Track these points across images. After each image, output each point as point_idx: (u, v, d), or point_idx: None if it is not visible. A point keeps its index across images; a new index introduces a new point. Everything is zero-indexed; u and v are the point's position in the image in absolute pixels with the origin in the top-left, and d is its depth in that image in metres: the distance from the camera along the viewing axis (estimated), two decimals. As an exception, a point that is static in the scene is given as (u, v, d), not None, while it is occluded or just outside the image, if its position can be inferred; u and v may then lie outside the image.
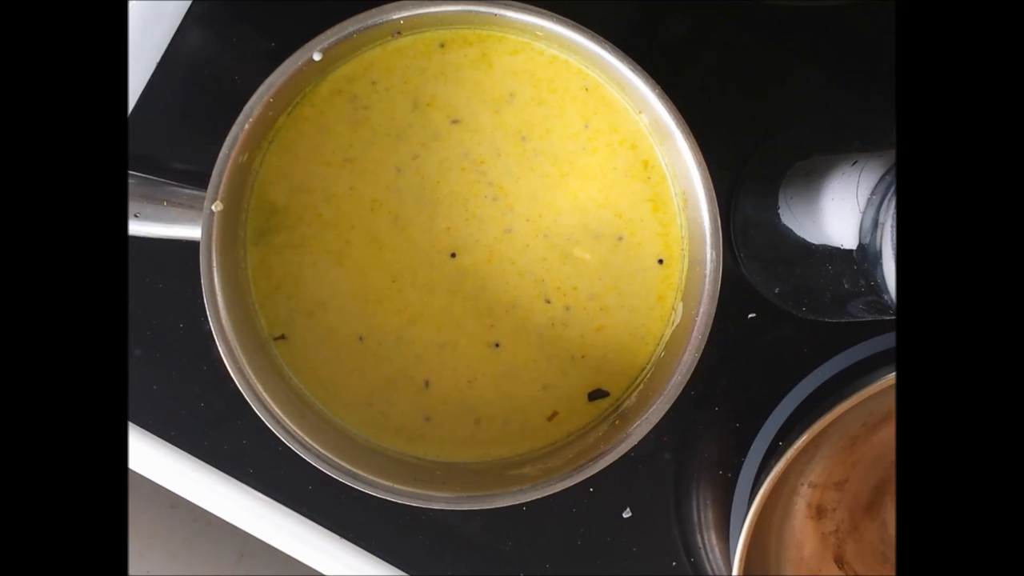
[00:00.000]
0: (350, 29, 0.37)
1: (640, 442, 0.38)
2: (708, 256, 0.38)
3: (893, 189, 0.31)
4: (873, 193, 0.33)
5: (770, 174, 0.41)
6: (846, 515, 0.45)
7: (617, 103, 0.40)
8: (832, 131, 0.43)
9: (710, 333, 0.38)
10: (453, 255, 0.41)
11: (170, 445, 0.45)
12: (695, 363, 0.38)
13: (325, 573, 0.46)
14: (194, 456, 0.45)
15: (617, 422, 0.40)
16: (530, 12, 0.37)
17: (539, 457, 0.41)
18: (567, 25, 0.37)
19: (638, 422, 0.38)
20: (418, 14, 0.38)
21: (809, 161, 0.39)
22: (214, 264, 0.38)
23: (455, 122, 0.40)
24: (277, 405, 0.38)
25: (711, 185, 0.37)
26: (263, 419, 0.38)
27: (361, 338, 0.41)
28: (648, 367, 0.41)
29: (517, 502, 0.38)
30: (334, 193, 0.40)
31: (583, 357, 0.41)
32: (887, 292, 0.31)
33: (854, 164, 0.35)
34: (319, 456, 0.38)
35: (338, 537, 0.45)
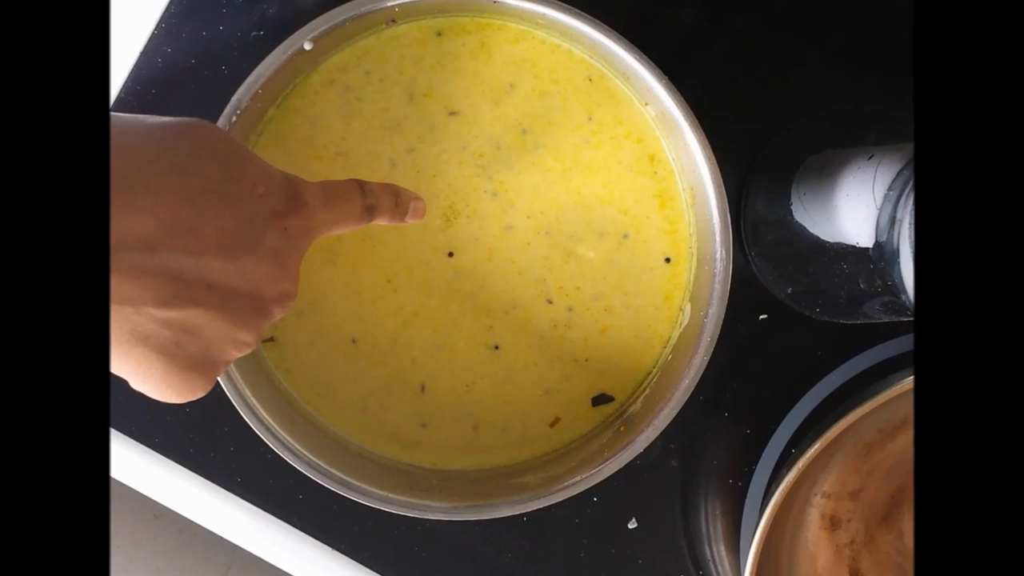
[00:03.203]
0: (342, 17, 0.37)
1: (646, 449, 0.37)
2: (717, 255, 0.37)
3: (911, 184, 0.31)
4: (890, 188, 0.32)
5: (782, 169, 0.40)
6: (861, 526, 0.44)
7: (622, 94, 0.39)
8: (847, 124, 0.42)
9: (719, 335, 0.37)
10: (451, 254, 0.39)
11: (154, 452, 0.44)
12: (704, 367, 0.37)
13: (317, 586, 0.45)
14: (179, 464, 0.44)
15: (622, 428, 0.39)
16: (531, -2, 0.36)
17: (540, 465, 0.40)
18: (570, 12, 0.36)
19: (644, 428, 0.37)
20: (414, 1, 0.37)
21: (823, 155, 0.38)
22: (199, 262, 0.36)
23: (453, 114, 0.39)
24: (266, 410, 0.38)
25: (720, 180, 0.37)
26: (251, 425, 0.37)
27: (354, 340, 0.40)
28: (655, 371, 0.40)
29: (517, 512, 0.38)
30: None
31: (587, 360, 0.40)
32: (904, 292, 0.30)
33: (870, 158, 0.34)
34: (310, 464, 0.38)
35: (330, 549, 0.44)
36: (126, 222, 0.25)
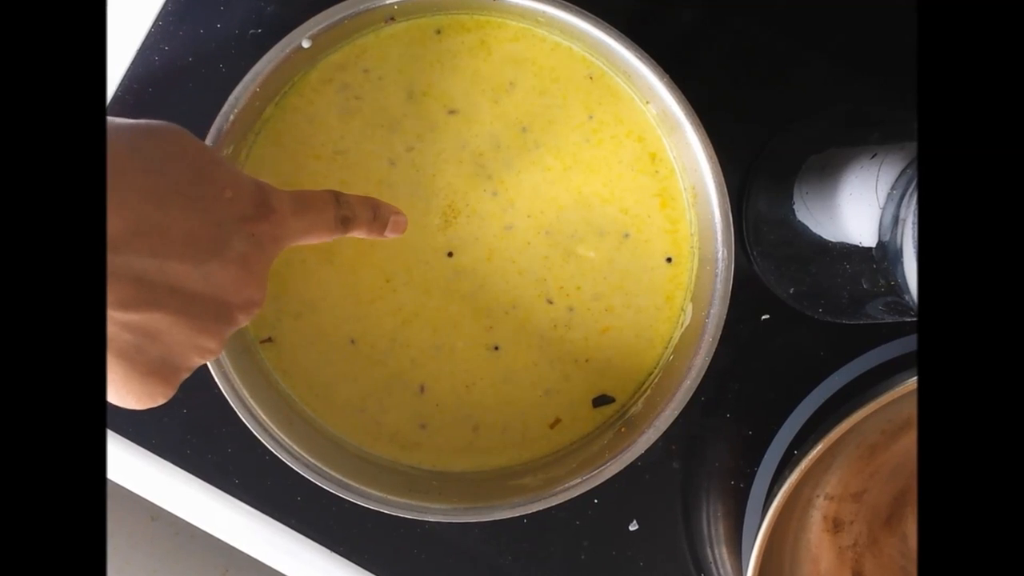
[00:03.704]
0: (341, 14, 0.36)
1: (647, 450, 0.37)
2: (719, 254, 0.37)
3: (915, 183, 0.30)
4: (893, 188, 0.32)
5: (783, 168, 0.40)
6: (864, 528, 0.43)
7: (623, 93, 0.38)
8: (847, 124, 0.42)
9: (721, 335, 0.37)
10: (450, 254, 0.39)
11: (151, 454, 0.43)
12: (705, 367, 0.37)
13: (315, 588, 0.45)
14: (176, 465, 0.44)
15: (623, 429, 0.39)
16: (531, -4, 0.36)
17: (541, 466, 0.40)
18: (571, 10, 0.36)
19: (645, 429, 0.37)
20: (413, -2, 0.37)
21: (825, 154, 0.38)
22: (196, 262, 0.36)
23: (452, 112, 0.39)
24: (264, 411, 0.37)
25: (722, 179, 0.36)
26: (249, 426, 0.37)
27: (353, 341, 0.39)
28: (656, 371, 0.40)
29: (517, 514, 0.37)
30: (324, 188, 0.39)
31: (587, 360, 0.39)
32: (908, 292, 0.30)
33: (873, 157, 0.34)
34: (308, 465, 0.37)
35: (328, 551, 0.44)
36: None
